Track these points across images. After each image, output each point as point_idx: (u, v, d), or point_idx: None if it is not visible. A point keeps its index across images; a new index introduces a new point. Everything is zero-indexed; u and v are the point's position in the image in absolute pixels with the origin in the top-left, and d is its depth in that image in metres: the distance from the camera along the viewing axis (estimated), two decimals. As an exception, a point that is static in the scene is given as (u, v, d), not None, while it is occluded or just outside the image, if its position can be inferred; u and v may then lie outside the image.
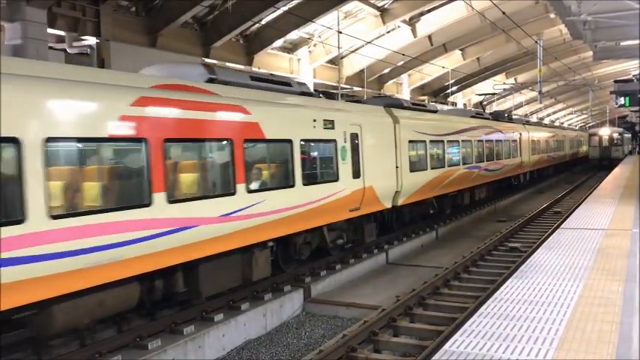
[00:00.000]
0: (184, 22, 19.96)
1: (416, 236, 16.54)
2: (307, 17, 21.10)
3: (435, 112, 19.22)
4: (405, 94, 37.05)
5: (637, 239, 9.36)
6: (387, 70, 33.18)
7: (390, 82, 35.52)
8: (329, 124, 11.64)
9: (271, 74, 13.63)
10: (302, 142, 10.72)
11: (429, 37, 31.34)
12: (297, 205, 10.32)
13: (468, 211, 21.31)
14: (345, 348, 8.10)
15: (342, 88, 27.15)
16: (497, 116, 26.99)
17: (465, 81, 41.54)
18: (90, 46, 17.15)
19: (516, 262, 13.01)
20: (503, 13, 21.12)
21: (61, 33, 16.62)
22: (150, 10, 19.34)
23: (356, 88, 31.05)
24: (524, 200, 27.45)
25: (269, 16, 22.04)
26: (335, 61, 28.25)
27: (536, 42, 28.91)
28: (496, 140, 23.43)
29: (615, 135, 44.61)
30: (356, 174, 12.48)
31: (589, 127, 77.63)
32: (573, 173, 44.20)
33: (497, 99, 51.41)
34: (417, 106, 17.67)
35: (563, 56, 40.20)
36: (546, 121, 67.07)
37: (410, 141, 15.28)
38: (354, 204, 12.49)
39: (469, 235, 18.02)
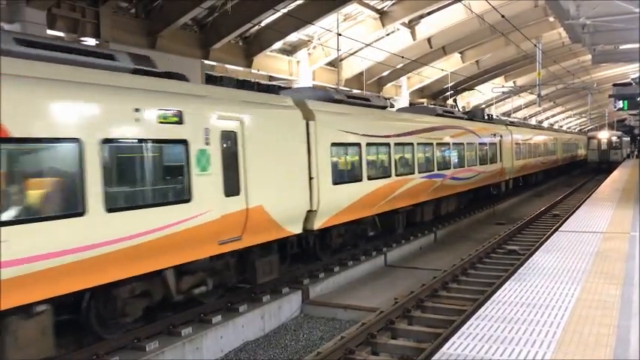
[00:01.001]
0: (184, 23, 19.96)
1: (414, 239, 16.53)
2: (307, 19, 21.11)
3: (384, 107, 15.70)
4: (404, 97, 37.07)
5: (635, 242, 9.37)
6: (386, 73, 33.17)
7: (389, 84, 35.53)
8: (173, 116, 8.07)
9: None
10: (106, 144, 7.09)
11: (429, 40, 31.35)
12: (96, 242, 6.85)
13: (467, 213, 21.30)
14: (343, 350, 8.10)
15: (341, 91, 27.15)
16: (475, 115, 24.06)
17: (465, 84, 41.56)
18: (89, 48, 17.14)
19: (515, 265, 13.01)
20: (502, 16, 21.13)
21: (61, 34, 16.60)
22: (149, 11, 19.34)
23: (355, 91, 31.05)
24: (523, 203, 27.45)
25: (268, 18, 22.03)
26: (334, 64, 28.25)
27: (535, 45, 28.96)
28: (468, 143, 20.18)
29: (614, 138, 44.70)
30: (231, 190, 8.99)
31: (588, 130, 77.75)
32: (572, 176, 44.20)
33: (497, 102, 51.43)
34: (354, 100, 14.27)
35: (562, 59, 40.25)
36: (545, 124, 67.08)
37: (334, 144, 11.92)
38: (230, 233, 9.03)
39: (468, 238, 18.03)
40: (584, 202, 17.27)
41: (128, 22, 18.78)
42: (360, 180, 12.96)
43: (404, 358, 8.32)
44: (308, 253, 12.57)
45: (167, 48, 19.42)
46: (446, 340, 7.76)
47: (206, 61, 21.52)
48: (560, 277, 7.32)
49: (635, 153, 53.21)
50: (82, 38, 16.89)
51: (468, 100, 48.57)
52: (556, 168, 39.67)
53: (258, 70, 24.29)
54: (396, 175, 14.59)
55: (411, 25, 29.57)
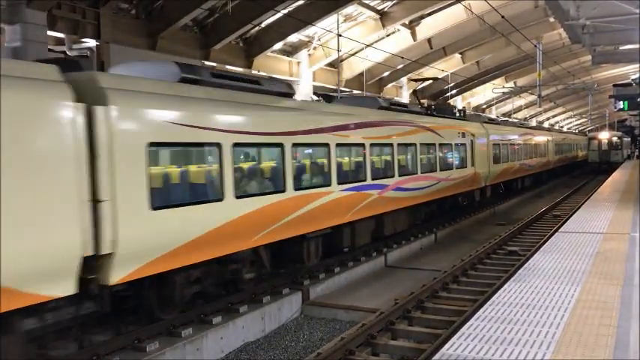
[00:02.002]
0: (184, 24, 20.01)
1: (415, 239, 16.53)
2: (307, 20, 21.15)
3: (287, 95, 11.17)
4: (404, 98, 37.10)
5: (635, 243, 9.37)
6: (386, 74, 33.22)
7: (390, 85, 35.57)
8: None
9: None
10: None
11: (429, 41, 31.40)
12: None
13: (467, 214, 21.30)
14: (344, 351, 8.11)
15: (342, 91, 27.18)
16: (440, 111, 19.79)
17: (465, 84, 41.60)
18: (90, 49, 17.19)
19: (515, 266, 13.01)
20: (503, 17, 21.15)
21: (61, 35, 16.64)
22: (150, 12, 19.37)
23: (355, 92, 31.08)
24: (524, 204, 27.46)
25: (269, 19, 22.08)
26: (335, 64, 28.28)
27: (535, 46, 28.98)
28: (423, 144, 16.13)
29: (614, 139, 44.73)
30: None
31: (589, 130, 77.81)
32: (572, 177, 44.21)
33: (497, 102, 51.48)
34: (221, 80, 9.48)
35: (563, 60, 40.30)
36: (546, 124, 67.09)
37: (154, 144, 7.63)
38: None
39: (468, 239, 18.03)
40: (584, 202, 17.26)
41: (128, 23, 18.82)
42: (220, 199, 8.62)
43: (404, 359, 8.33)
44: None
45: (167, 49, 19.46)
46: (446, 341, 7.76)
47: (206, 62, 21.55)
48: (560, 277, 7.33)
49: (636, 154, 53.24)
50: (83, 39, 16.93)
51: (468, 100, 48.61)
52: (548, 172, 36.08)
53: (259, 71, 24.31)
54: (297, 189, 10.41)
55: (411, 26, 29.62)
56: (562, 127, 78.11)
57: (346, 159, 12.72)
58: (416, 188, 15.57)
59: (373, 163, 13.55)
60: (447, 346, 5.05)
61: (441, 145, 17.42)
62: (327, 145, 11.57)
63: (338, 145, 11.92)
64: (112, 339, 8.12)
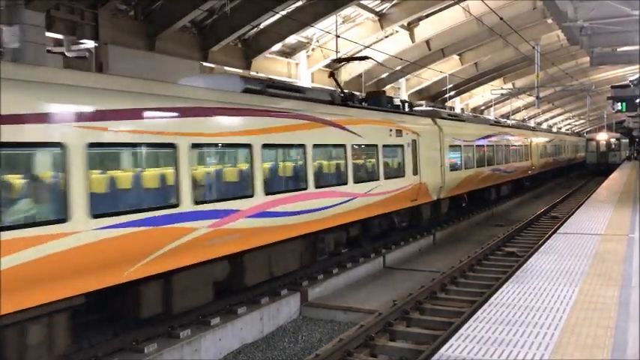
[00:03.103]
0: (183, 26, 19.99)
1: (413, 240, 16.52)
2: (305, 21, 21.15)
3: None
4: (403, 99, 37.12)
5: (634, 244, 9.39)
6: (385, 75, 33.25)
7: (388, 86, 35.60)
8: None
9: None
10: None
11: (427, 42, 31.43)
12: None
13: (466, 215, 21.31)
14: (342, 352, 8.11)
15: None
16: (377, 102, 15.28)
17: (463, 86, 41.63)
18: (88, 50, 17.15)
19: (513, 267, 13.01)
20: (501, 18, 21.18)
21: (59, 36, 16.62)
22: (148, 14, 19.36)
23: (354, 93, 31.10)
24: (522, 205, 27.48)
25: (267, 21, 22.07)
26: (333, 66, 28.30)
27: (533, 47, 29.01)
28: (321, 145, 11.61)
29: (612, 140, 44.80)
30: None
31: (587, 132, 77.90)
32: (570, 178, 44.27)
33: (495, 104, 51.52)
34: None
35: (561, 61, 40.34)
36: (544, 126, 67.14)
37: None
38: None
39: (466, 240, 18.03)
40: (582, 204, 17.27)
41: (127, 24, 18.81)
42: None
43: (402, 360, 8.33)
44: None
45: (166, 50, 19.47)
46: (444, 342, 7.76)
47: (205, 64, 21.55)
48: (558, 279, 7.33)
49: (634, 154, 53.31)
50: (81, 41, 16.91)
51: (467, 102, 48.66)
52: (530, 177, 31.10)
53: (257, 72, 24.32)
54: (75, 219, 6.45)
55: (409, 28, 29.65)
56: (560, 128, 78.15)
57: (133, 171, 7.70)
58: (304, 211, 10.77)
59: (195, 178, 8.32)
60: (445, 347, 5.06)
61: (356, 147, 12.84)
62: (134, 145, 7.53)
63: (151, 145, 7.76)
64: (110, 340, 8.11)
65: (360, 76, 30.77)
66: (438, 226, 18.66)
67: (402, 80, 36.56)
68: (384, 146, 14.03)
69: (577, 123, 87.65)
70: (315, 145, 11.24)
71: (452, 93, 41.30)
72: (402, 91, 37.73)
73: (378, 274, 13.65)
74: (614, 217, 12.68)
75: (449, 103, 43.86)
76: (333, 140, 12.13)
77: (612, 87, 26.14)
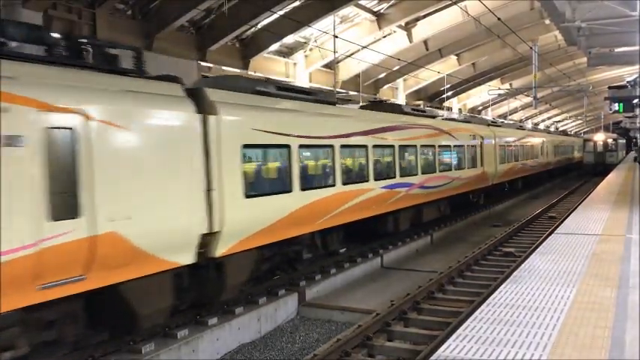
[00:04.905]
0: (180, 25, 19.96)
1: (411, 241, 16.54)
2: (303, 21, 21.13)
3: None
4: (400, 99, 37.13)
5: (631, 245, 9.40)
6: (382, 75, 33.25)
7: (386, 86, 35.61)
8: None
9: None
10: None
11: (425, 42, 31.43)
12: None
13: (463, 216, 21.33)
14: (340, 352, 8.10)
15: (338, 92, 27.19)
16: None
17: (461, 86, 41.65)
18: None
19: (511, 267, 13.03)
20: (499, 19, 21.19)
21: (57, 36, 16.56)
22: (146, 13, 19.33)
23: (351, 93, 31.11)
24: (520, 205, 27.52)
25: (265, 20, 22.06)
26: (331, 66, 28.29)
27: (531, 48, 29.04)
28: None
29: (610, 141, 44.90)
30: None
31: (584, 132, 78.01)
32: (568, 179, 44.34)
33: (492, 104, 51.57)
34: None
35: (558, 62, 40.38)
36: (541, 126, 67.24)
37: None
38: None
39: (464, 240, 18.05)
40: (580, 204, 17.28)
41: (125, 23, 18.77)
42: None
43: (400, 361, 8.33)
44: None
45: (163, 50, 19.41)
46: (442, 342, 7.76)
47: (202, 63, 21.51)
48: (555, 279, 7.33)
49: (634, 155, 53.33)
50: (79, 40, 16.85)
51: (464, 102, 48.68)
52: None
53: (255, 72, 24.29)
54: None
55: (407, 28, 29.64)
56: (557, 128, 78.25)
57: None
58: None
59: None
60: (443, 347, 5.05)
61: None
62: None
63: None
64: (108, 340, 8.09)
65: (357, 76, 30.76)
66: (435, 226, 18.71)
67: (400, 80, 36.58)
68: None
69: (574, 124, 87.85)
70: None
71: (449, 93, 41.31)
72: (399, 91, 37.74)
73: (375, 274, 13.65)
74: (611, 218, 12.69)
75: (446, 104, 43.89)
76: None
77: (609, 87, 26.13)
